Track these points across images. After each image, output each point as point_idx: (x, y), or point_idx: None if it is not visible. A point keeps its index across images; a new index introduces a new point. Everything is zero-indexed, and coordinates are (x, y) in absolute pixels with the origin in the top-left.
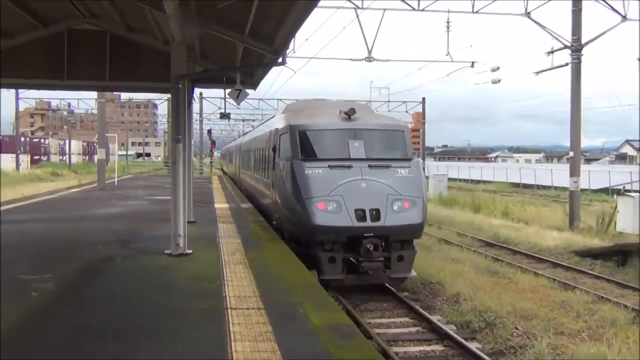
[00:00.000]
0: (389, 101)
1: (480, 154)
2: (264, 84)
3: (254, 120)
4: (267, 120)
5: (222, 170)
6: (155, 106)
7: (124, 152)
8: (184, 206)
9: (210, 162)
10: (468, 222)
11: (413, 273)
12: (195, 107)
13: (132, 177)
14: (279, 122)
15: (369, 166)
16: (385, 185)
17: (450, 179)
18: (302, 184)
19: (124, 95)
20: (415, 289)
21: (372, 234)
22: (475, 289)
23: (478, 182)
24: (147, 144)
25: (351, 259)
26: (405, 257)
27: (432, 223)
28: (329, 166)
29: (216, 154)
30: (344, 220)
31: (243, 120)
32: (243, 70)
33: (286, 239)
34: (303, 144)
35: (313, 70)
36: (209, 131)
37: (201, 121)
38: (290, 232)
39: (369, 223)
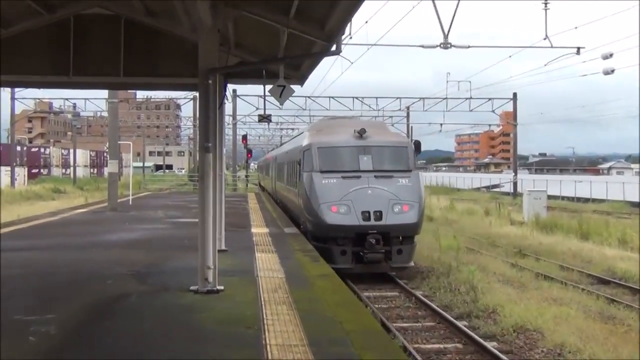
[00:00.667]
0: (471, 98)
1: (589, 165)
2: (313, 78)
3: (295, 124)
4: (297, 136)
5: (260, 185)
6: (178, 107)
7: (141, 164)
8: (214, 231)
9: (246, 176)
10: (574, 252)
11: (411, 264)
12: (228, 107)
13: (151, 195)
14: (304, 140)
15: (375, 176)
16: (387, 191)
17: (550, 197)
18: (319, 191)
19: (141, 94)
20: (507, 338)
21: (375, 231)
22: (584, 338)
23: (586, 200)
24: (168, 153)
25: (360, 252)
26: (404, 250)
27: (528, 254)
28: (342, 177)
29: (253, 165)
30: (352, 220)
31: (282, 124)
32: (287, 62)
33: (308, 238)
34: (321, 158)
35: (374, 60)
36: (245, 137)
37: (235, 125)
38: (311, 231)
39: (372, 222)
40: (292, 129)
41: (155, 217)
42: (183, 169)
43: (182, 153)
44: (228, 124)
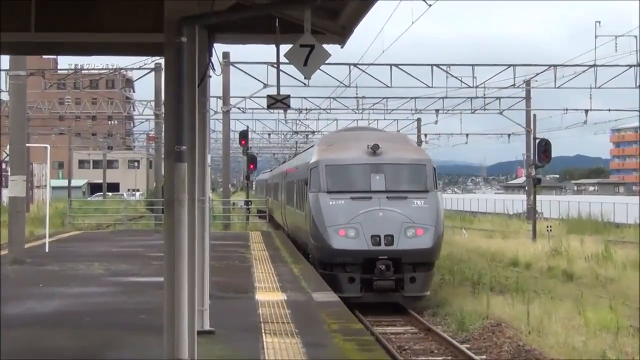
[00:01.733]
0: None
1: None
2: (362, 34)
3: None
4: (306, 150)
5: (270, 216)
6: (129, 84)
7: (65, 183)
8: (191, 299)
9: (247, 203)
10: None
11: (426, 293)
12: (215, 84)
13: (82, 235)
14: (311, 156)
15: (387, 197)
16: (400, 214)
17: None
18: (326, 213)
19: (64, 61)
20: None
21: (385, 257)
22: None
23: None
24: (112, 164)
25: (370, 280)
26: (418, 278)
27: None
28: (351, 198)
29: (261, 181)
30: (361, 245)
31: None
32: (318, 4)
33: (315, 265)
34: (329, 177)
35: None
36: (244, 136)
37: (227, 114)
38: (316, 257)
39: (382, 247)
40: (326, 121)
41: (90, 274)
42: (137, 190)
43: (136, 164)
44: (215, 112)
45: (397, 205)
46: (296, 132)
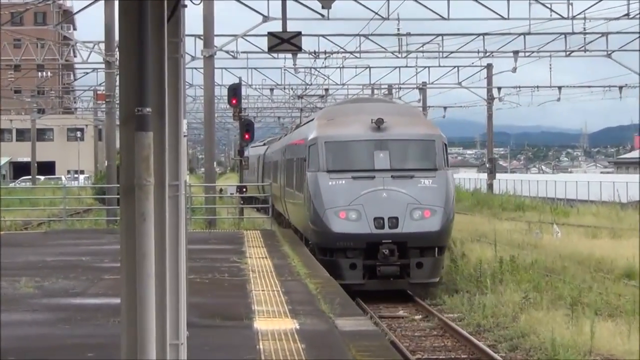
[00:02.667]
0: None
1: None
2: None
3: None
4: (306, 124)
5: (274, 207)
6: (68, 18)
7: None
8: (161, 329)
9: (240, 190)
10: None
11: (435, 279)
12: (192, 17)
13: (2, 238)
14: (310, 132)
15: (392, 176)
16: (405, 194)
17: None
18: (325, 195)
19: None
20: None
21: (389, 241)
22: None
23: None
24: (44, 134)
25: (373, 266)
26: (425, 263)
27: None
28: (353, 177)
29: (254, 157)
30: (362, 228)
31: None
32: None
33: (314, 252)
34: (329, 155)
35: None
36: (235, 92)
37: (210, 61)
38: (315, 242)
39: (386, 230)
40: (354, 70)
41: (15, 294)
42: (82, 172)
43: (79, 134)
44: (193, 58)
45: (402, 185)
46: (308, 87)
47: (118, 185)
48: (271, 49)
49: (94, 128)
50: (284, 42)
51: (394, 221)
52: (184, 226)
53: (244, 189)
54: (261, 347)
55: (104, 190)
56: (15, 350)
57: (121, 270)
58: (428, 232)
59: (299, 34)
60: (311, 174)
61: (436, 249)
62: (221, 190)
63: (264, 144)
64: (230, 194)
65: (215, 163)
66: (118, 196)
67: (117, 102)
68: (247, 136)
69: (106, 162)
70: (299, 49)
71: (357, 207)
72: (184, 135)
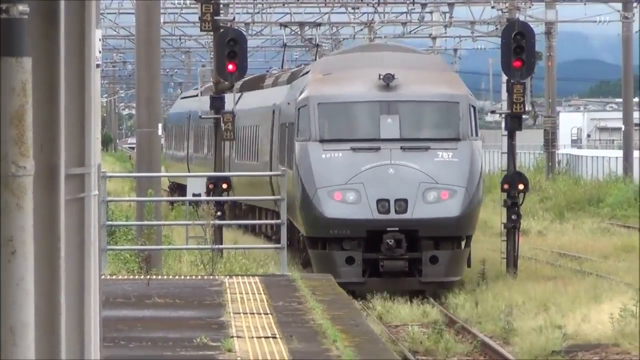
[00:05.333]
0: None
1: None
2: None
3: None
4: (302, 75)
5: (291, 223)
6: None
7: None
8: None
9: (214, 187)
10: None
11: (456, 278)
12: None
13: None
14: (300, 90)
15: (402, 148)
16: (418, 171)
17: None
18: (317, 170)
19: None
20: None
21: (396, 229)
22: None
23: None
24: None
25: (376, 259)
26: (441, 258)
27: None
28: (352, 149)
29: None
30: (363, 212)
31: None
32: None
33: (304, 245)
34: (323, 121)
35: None
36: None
37: None
38: (304, 230)
39: (392, 215)
40: None
41: None
42: None
43: None
44: None
45: (414, 159)
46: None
47: None
48: None
49: None
50: None
51: (403, 204)
52: (96, 266)
53: (223, 185)
54: None
55: None
56: None
57: None
58: (445, 219)
59: None
60: (300, 145)
61: (456, 239)
62: (174, 189)
63: (273, 84)
64: (194, 194)
65: (160, 127)
66: None
67: None
68: (231, 66)
69: None
70: None
71: (356, 186)
72: (97, 66)
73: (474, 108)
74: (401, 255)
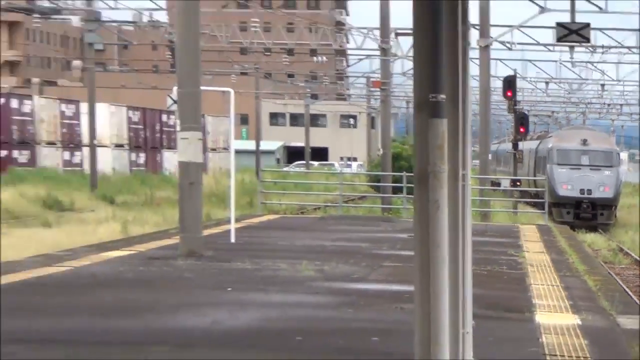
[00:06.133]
0: None
1: None
2: None
3: None
4: (547, 138)
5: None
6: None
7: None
8: (453, 318)
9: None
10: None
11: (610, 222)
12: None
13: (278, 221)
14: (548, 143)
15: (590, 168)
16: (596, 178)
17: None
18: (556, 177)
19: None
20: None
21: (587, 201)
22: None
23: None
24: (317, 120)
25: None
26: (605, 213)
27: None
28: (570, 168)
29: (529, 149)
30: (574, 193)
31: None
32: None
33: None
34: (559, 156)
35: None
36: (510, 85)
37: (485, 51)
38: (550, 200)
39: (585, 195)
40: (632, 66)
41: (296, 276)
42: (354, 160)
43: (351, 121)
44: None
45: (595, 173)
46: (584, 82)
47: (392, 173)
48: (560, 39)
49: (367, 115)
50: (572, 32)
51: (590, 191)
52: (470, 216)
53: (518, 183)
54: (544, 340)
55: (378, 178)
56: (298, 330)
57: (415, 257)
58: (606, 197)
59: (587, 25)
60: (550, 166)
61: (610, 206)
62: (497, 183)
63: (538, 138)
64: (504, 188)
65: (489, 155)
66: (393, 184)
67: (392, 90)
68: (522, 129)
69: (381, 150)
70: (587, 40)
71: (572, 182)
72: (468, 120)
73: (618, 154)
74: (589, 212)
